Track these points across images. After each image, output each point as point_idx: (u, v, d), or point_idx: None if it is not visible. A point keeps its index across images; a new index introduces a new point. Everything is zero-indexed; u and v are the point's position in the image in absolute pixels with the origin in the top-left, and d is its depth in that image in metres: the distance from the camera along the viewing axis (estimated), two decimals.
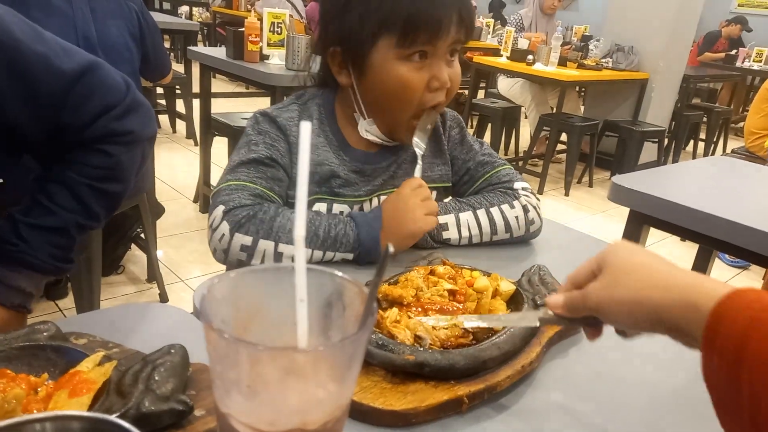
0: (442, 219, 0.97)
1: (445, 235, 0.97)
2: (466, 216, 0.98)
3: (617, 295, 0.50)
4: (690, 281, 0.46)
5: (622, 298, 0.50)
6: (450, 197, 1.12)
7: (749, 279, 3.19)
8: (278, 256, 0.84)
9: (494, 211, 0.99)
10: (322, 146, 0.98)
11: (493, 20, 7.29)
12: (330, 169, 0.96)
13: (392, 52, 0.88)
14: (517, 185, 1.04)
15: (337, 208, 0.97)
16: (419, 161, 0.99)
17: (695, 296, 0.44)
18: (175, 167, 3.77)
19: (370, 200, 1.01)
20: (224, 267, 1.17)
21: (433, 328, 0.65)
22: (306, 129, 0.41)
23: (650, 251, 0.54)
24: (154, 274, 2.31)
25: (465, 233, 0.98)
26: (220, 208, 0.86)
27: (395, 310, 0.67)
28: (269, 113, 0.97)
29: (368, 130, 0.98)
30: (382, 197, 1.01)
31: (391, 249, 0.39)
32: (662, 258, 0.52)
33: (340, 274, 0.42)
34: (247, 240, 0.84)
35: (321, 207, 0.97)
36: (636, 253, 0.53)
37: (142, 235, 2.30)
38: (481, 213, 0.99)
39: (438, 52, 0.89)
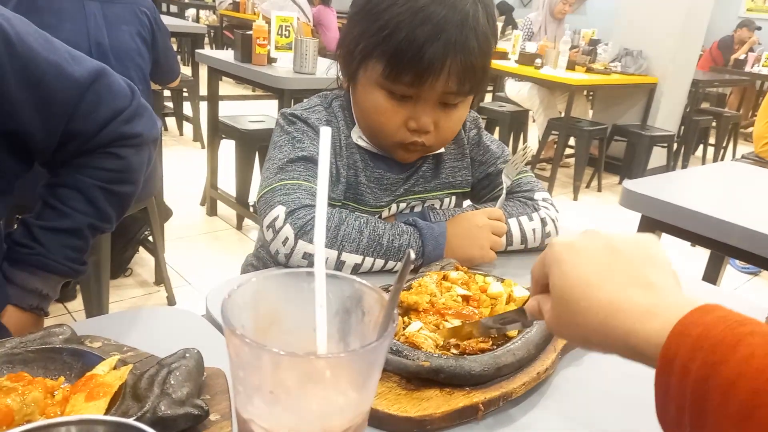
0: None
1: None
2: None
3: (568, 333, 0.48)
4: (625, 325, 0.42)
5: (573, 338, 0.47)
6: (468, 201, 1.11)
7: (761, 285, 3.17)
8: (340, 264, 0.83)
9: (512, 222, 0.98)
10: (351, 148, 0.97)
11: (502, 24, 7.29)
12: (356, 172, 0.96)
13: (376, 78, 0.87)
14: (538, 196, 1.03)
15: None
16: (504, 193, 0.99)
17: (638, 345, 0.41)
18: (182, 170, 3.78)
19: (389, 208, 1.00)
20: (235, 269, 1.17)
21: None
22: (326, 135, 0.41)
23: (588, 248, 0.47)
24: (161, 277, 2.32)
25: None
26: (281, 209, 0.84)
27: (418, 323, 0.66)
28: (299, 115, 0.96)
29: (361, 137, 0.97)
30: (401, 204, 1.01)
31: (413, 256, 0.38)
32: (601, 267, 0.45)
33: (359, 279, 0.42)
34: (311, 248, 0.82)
35: None
36: (573, 267, 0.46)
37: (150, 238, 2.31)
38: None
39: (424, 95, 0.86)
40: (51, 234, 0.84)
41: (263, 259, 1.04)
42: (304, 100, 1.02)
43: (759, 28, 8.05)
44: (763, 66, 6.99)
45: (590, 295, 0.44)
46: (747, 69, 7.10)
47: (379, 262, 0.86)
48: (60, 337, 0.58)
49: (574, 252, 0.47)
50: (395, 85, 0.86)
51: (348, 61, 0.91)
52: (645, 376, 0.70)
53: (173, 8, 8.20)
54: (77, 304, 2.16)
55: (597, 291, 0.44)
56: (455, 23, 0.82)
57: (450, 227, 0.90)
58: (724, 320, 0.37)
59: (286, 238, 0.82)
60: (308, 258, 0.82)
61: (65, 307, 2.16)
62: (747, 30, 7.94)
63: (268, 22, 2.87)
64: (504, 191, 1.00)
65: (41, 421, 0.30)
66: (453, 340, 0.64)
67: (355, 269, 0.85)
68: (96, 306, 1.79)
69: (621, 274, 0.44)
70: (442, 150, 1.04)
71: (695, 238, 1.36)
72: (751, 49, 7.79)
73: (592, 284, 0.44)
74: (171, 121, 4.61)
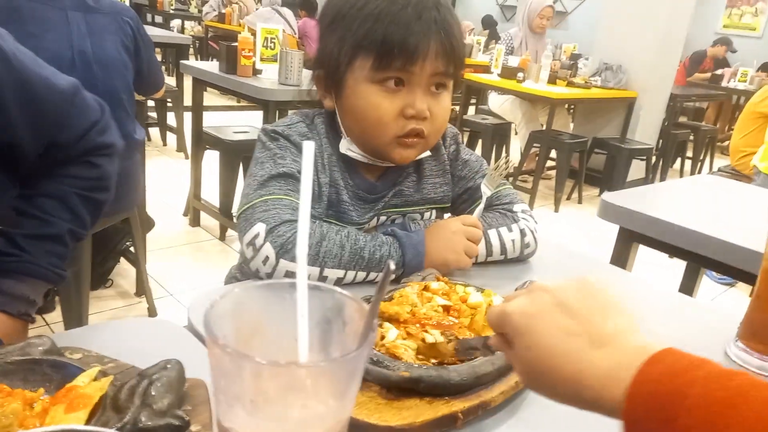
0: None
1: None
2: None
3: (543, 393, 0.49)
4: (594, 392, 0.43)
5: (548, 397, 0.48)
6: (448, 214, 1.12)
7: (736, 296, 3.22)
8: (322, 280, 0.84)
9: (492, 233, 0.99)
10: (333, 166, 0.97)
11: (486, 38, 7.38)
12: (337, 190, 0.96)
13: (366, 74, 0.88)
14: (517, 207, 1.04)
15: None
16: (482, 203, 1.00)
17: (610, 412, 0.43)
18: (165, 180, 3.76)
19: (370, 222, 1.01)
20: (218, 280, 1.17)
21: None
22: (309, 149, 0.42)
23: (542, 312, 0.48)
24: (143, 288, 2.30)
25: None
26: (261, 227, 0.83)
27: (394, 331, 0.67)
28: (281, 132, 0.96)
29: (350, 148, 0.97)
30: (381, 218, 1.02)
31: (392, 266, 0.39)
32: (561, 333, 0.46)
33: (339, 290, 0.43)
34: (293, 266, 0.81)
35: None
36: (535, 339, 0.47)
37: (132, 249, 2.29)
38: None
39: (415, 80, 0.88)
40: (35, 241, 0.86)
41: (247, 273, 1.04)
42: (285, 117, 1.02)
43: (734, 51, 8.24)
44: (739, 81, 7.15)
45: (556, 366, 0.46)
46: (723, 84, 7.26)
47: (361, 275, 0.87)
48: (40, 348, 0.58)
49: (530, 320, 0.48)
50: (387, 73, 0.87)
51: (332, 71, 0.91)
52: None
53: (158, 19, 8.18)
54: (56, 315, 2.13)
55: (562, 362, 0.45)
56: (431, 4, 0.87)
57: (427, 234, 0.91)
58: (668, 373, 0.40)
59: (267, 257, 0.82)
60: (291, 276, 0.82)
61: (44, 318, 2.13)
62: (726, 48, 8.13)
63: (254, 33, 2.88)
64: (483, 201, 1.02)
65: None
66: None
67: (338, 283, 0.85)
68: (76, 318, 1.77)
69: (580, 336, 0.45)
70: (425, 163, 1.05)
71: (672, 250, 1.39)
72: (725, 63, 7.96)
73: (556, 355, 0.46)
74: (155, 132, 4.59)
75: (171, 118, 4.37)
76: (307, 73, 2.85)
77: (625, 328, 0.46)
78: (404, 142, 0.92)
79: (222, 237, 3.07)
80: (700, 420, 0.37)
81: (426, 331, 0.67)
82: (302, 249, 0.40)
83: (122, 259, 2.44)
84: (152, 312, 2.24)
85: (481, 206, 1.01)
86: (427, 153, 1.03)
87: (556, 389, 0.46)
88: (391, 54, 0.85)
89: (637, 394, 0.40)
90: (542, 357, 0.46)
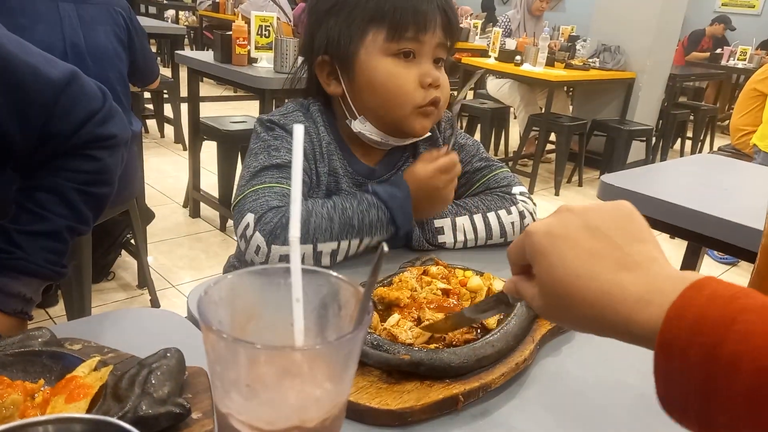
0: (438, 223, 0.97)
1: (441, 239, 0.97)
2: (463, 220, 0.98)
3: (561, 322, 0.47)
4: (622, 315, 0.41)
5: (567, 325, 0.47)
6: None
7: (738, 275, 3.22)
8: (318, 255, 0.84)
9: (491, 216, 0.99)
10: (331, 155, 0.97)
11: (484, 21, 7.33)
12: (336, 179, 0.96)
13: (380, 47, 0.89)
14: (515, 190, 1.04)
15: None
16: (455, 134, 1.01)
17: (637, 332, 0.40)
18: (164, 172, 3.75)
19: None
20: (220, 271, 1.17)
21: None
22: (299, 131, 0.42)
23: (568, 234, 0.45)
24: (144, 280, 2.30)
25: (460, 237, 0.98)
26: (250, 216, 0.84)
27: (396, 316, 0.67)
28: (277, 121, 0.95)
29: (363, 129, 0.95)
30: None
31: (386, 249, 0.39)
32: (586, 255, 0.44)
33: (335, 274, 0.43)
34: (285, 250, 0.81)
35: None
36: (558, 258, 0.45)
37: (132, 241, 2.29)
38: (478, 218, 0.99)
39: (424, 50, 0.90)
40: (30, 238, 0.84)
41: (245, 262, 1.04)
42: (281, 107, 1.02)
43: (733, 29, 8.18)
44: (738, 59, 7.10)
45: (581, 287, 0.43)
46: (722, 63, 7.21)
47: (355, 242, 0.87)
48: (39, 340, 0.58)
49: (555, 240, 0.46)
50: (400, 43, 0.89)
51: (341, 51, 0.91)
52: (621, 364, 0.72)
53: (152, 9, 8.11)
54: (59, 309, 2.14)
55: (587, 282, 0.43)
56: None
57: (412, 190, 0.90)
58: (716, 298, 0.37)
59: (258, 247, 0.82)
60: (285, 261, 0.82)
61: (47, 312, 2.14)
62: (724, 26, 8.07)
63: (248, 22, 2.86)
64: (453, 134, 1.02)
65: (18, 421, 0.30)
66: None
67: (333, 255, 0.85)
68: (78, 311, 1.77)
69: (607, 259, 0.43)
70: (420, 147, 1.05)
71: (673, 230, 1.39)
72: (724, 42, 7.91)
73: (581, 276, 0.43)
74: (151, 123, 4.58)
75: (168, 110, 4.35)
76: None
77: (654, 256, 0.44)
78: (425, 111, 0.93)
79: (222, 227, 3.07)
80: (751, 346, 0.33)
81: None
82: (295, 233, 0.39)
83: (123, 252, 2.45)
84: (155, 304, 2.25)
85: (454, 136, 1.01)
86: (428, 134, 1.02)
87: (578, 313, 0.44)
88: (403, 23, 0.87)
89: (679, 317, 0.37)
90: (565, 278, 0.44)
